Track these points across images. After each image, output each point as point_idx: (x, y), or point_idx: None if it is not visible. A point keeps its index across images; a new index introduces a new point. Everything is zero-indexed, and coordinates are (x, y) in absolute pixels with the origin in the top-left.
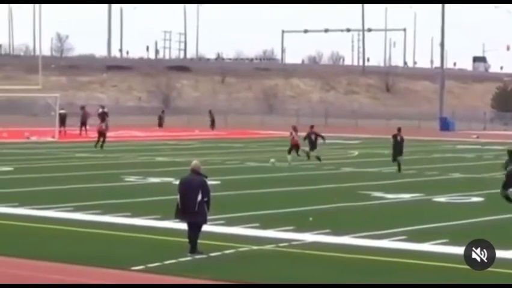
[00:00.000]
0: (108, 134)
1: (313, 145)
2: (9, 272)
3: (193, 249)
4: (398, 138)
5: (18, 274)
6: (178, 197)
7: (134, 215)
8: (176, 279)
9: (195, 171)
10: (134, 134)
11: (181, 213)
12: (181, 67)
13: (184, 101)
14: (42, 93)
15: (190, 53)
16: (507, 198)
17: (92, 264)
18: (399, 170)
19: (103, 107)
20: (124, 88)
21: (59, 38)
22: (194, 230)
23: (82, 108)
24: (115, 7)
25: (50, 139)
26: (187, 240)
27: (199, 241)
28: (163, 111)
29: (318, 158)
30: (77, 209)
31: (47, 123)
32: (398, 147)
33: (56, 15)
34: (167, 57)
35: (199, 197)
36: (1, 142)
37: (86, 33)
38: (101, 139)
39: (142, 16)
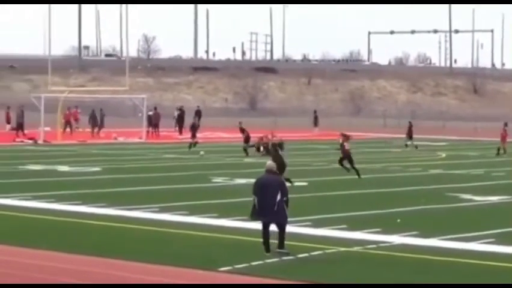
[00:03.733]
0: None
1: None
2: (104, 272)
3: (268, 249)
4: None
5: (110, 274)
6: (255, 197)
7: (221, 215)
8: (263, 280)
9: (271, 171)
10: (221, 136)
11: (259, 213)
12: (267, 68)
13: (270, 103)
14: (129, 95)
15: (277, 54)
16: None
17: (179, 265)
18: None
19: (179, 109)
20: (211, 89)
21: (146, 40)
22: (268, 230)
23: (154, 109)
24: (201, 8)
25: (137, 140)
26: (267, 240)
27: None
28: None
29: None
30: (163, 210)
31: (134, 125)
32: None
33: (143, 17)
34: (253, 58)
35: (279, 197)
36: (90, 143)
37: (172, 34)
38: (195, 140)
39: (229, 17)
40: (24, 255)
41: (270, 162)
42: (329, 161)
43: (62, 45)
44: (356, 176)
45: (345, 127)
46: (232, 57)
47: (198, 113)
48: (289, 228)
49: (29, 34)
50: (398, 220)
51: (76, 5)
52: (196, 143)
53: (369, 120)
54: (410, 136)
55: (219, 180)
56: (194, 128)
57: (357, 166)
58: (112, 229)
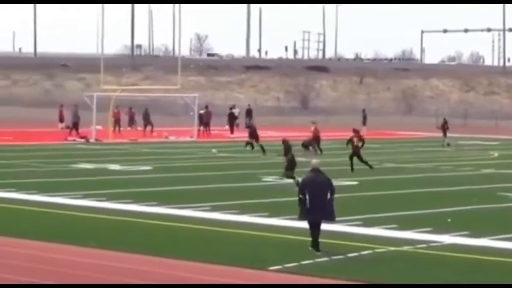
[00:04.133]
0: (243, 134)
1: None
2: (161, 272)
3: (318, 248)
4: None
5: (169, 274)
6: (303, 196)
7: (272, 215)
8: (313, 280)
9: (318, 170)
10: (272, 134)
11: (310, 212)
12: (319, 67)
13: (322, 101)
14: (181, 93)
15: (329, 53)
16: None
17: (229, 264)
18: None
19: (231, 108)
20: (263, 88)
21: (199, 39)
22: (319, 229)
23: (206, 108)
24: (254, 7)
25: (188, 139)
26: (317, 239)
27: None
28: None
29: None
30: (214, 209)
31: (185, 123)
32: None
33: (196, 16)
34: (305, 57)
35: (329, 195)
36: (141, 141)
37: (225, 33)
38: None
39: (281, 16)
40: (75, 253)
41: (316, 161)
42: (379, 160)
43: (115, 44)
44: (408, 176)
45: (396, 126)
46: (284, 56)
47: (249, 112)
48: (339, 228)
49: (82, 33)
50: (449, 220)
51: (129, 5)
52: (250, 143)
53: (421, 119)
54: (444, 133)
55: (269, 179)
56: (250, 128)
57: (405, 165)
58: (163, 228)
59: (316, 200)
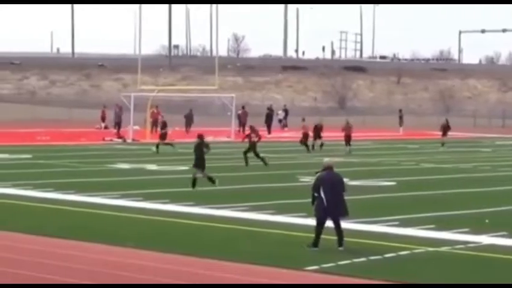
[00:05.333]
0: (283, 134)
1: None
2: (193, 271)
3: (318, 245)
4: None
5: (207, 275)
6: (318, 194)
7: (309, 215)
8: (350, 280)
9: (331, 168)
10: (310, 134)
11: (328, 210)
12: (356, 67)
13: (359, 102)
14: (219, 94)
15: (366, 53)
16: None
17: (266, 264)
18: None
19: (268, 108)
20: (300, 88)
21: (236, 39)
22: (339, 227)
23: (242, 108)
24: (291, 7)
25: (225, 139)
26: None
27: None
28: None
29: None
30: (251, 209)
31: (223, 123)
32: None
33: (233, 16)
34: (343, 57)
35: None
36: (178, 141)
37: (262, 33)
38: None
39: (319, 16)
40: (112, 253)
41: (329, 159)
42: (417, 161)
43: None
44: (445, 176)
45: (434, 126)
46: (321, 56)
47: (285, 112)
48: (376, 228)
49: (119, 33)
50: (487, 220)
51: (166, 5)
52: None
53: (458, 119)
54: (444, 134)
55: (306, 179)
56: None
57: (443, 165)
58: (200, 228)
59: (334, 198)
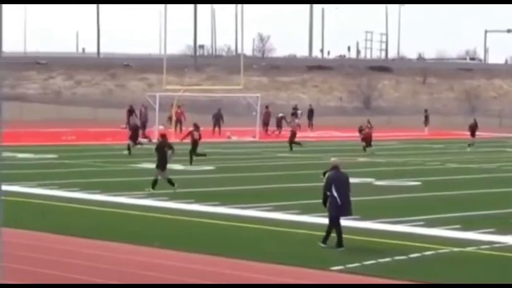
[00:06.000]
0: (309, 134)
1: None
2: (219, 271)
3: (326, 241)
4: None
5: (234, 275)
6: (331, 194)
7: None
8: (376, 280)
9: (339, 167)
10: (335, 134)
11: (341, 209)
12: (382, 67)
13: (385, 101)
14: (244, 93)
15: (391, 53)
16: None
17: (291, 264)
18: None
19: (294, 108)
20: (325, 88)
21: (261, 39)
22: (338, 224)
23: (266, 108)
24: (317, 7)
25: (250, 139)
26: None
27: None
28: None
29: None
30: (276, 209)
31: (248, 123)
32: None
33: (258, 16)
34: (368, 57)
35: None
36: (204, 141)
37: (287, 33)
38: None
39: (344, 16)
40: (138, 253)
41: (336, 159)
42: (442, 161)
43: (178, 44)
44: (471, 176)
45: (459, 126)
46: (346, 56)
47: (311, 112)
48: (401, 228)
49: (144, 33)
50: None
51: (192, 5)
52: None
53: (484, 119)
54: (473, 134)
55: None
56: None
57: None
58: (225, 228)
59: (345, 197)
